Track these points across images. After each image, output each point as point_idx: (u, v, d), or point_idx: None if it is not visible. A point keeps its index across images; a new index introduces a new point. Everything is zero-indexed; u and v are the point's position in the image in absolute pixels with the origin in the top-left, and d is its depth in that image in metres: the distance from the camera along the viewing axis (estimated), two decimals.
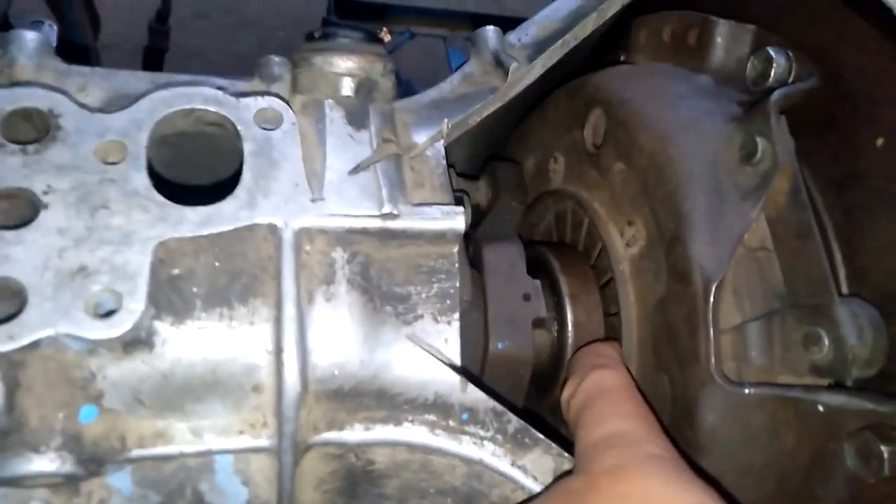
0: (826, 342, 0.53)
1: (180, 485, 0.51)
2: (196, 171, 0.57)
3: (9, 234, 0.43)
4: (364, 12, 2.50)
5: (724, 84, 0.68)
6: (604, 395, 0.55)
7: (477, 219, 0.83)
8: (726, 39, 0.68)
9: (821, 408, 0.55)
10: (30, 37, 0.56)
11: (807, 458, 0.56)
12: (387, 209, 0.52)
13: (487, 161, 0.90)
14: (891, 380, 0.54)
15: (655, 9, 0.79)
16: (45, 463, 0.43)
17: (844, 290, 0.58)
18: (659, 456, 0.49)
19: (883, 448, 0.51)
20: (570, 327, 0.71)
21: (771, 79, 0.62)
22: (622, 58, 0.83)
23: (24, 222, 0.44)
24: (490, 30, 0.73)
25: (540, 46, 0.72)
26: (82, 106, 0.50)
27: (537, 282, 0.74)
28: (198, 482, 0.51)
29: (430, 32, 2.56)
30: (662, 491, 0.48)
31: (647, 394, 0.62)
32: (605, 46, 0.86)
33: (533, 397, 0.78)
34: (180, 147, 0.56)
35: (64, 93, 0.50)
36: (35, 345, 0.42)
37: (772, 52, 0.62)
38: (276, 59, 0.61)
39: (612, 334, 0.70)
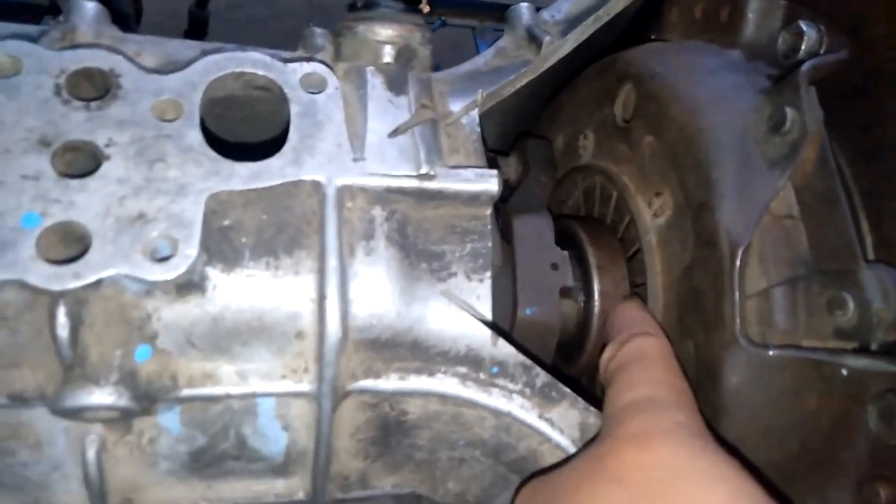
0: (851, 305, 0.54)
1: (225, 427, 0.54)
2: (240, 137, 0.60)
3: (74, 183, 0.47)
4: (407, 1, 2.52)
5: (755, 59, 0.69)
6: (642, 360, 0.56)
7: (507, 193, 0.85)
8: (758, 15, 0.69)
9: (844, 371, 0.56)
10: (89, 5, 0.59)
11: (830, 420, 0.58)
12: (424, 170, 0.54)
13: (518, 137, 0.92)
14: None
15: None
16: (104, 396, 0.46)
17: (871, 257, 0.59)
18: (684, 425, 0.49)
19: None
20: (596, 297, 0.73)
21: (802, 52, 0.63)
22: (654, 37, 0.84)
23: (87, 172, 0.47)
24: (524, 6, 0.75)
25: (573, 22, 0.74)
26: (140, 67, 0.53)
27: (565, 252, 0.76)
28: (241, 425, 0.54)
29: (459, 23, 2.58)
30: (689, 463, 0.47)
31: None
32: (638, 26, 0.87)
33: (559, 365, 0.80)
34: (224, 119, 0.59)
35: (123, 54, 0.53)
36: (97, 284, 0.45)
37: (803, 26, 0.63)
38: (319, 30, 0.63)
39: None
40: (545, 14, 0.77)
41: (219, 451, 0.55)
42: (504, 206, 0.80)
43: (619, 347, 0.58)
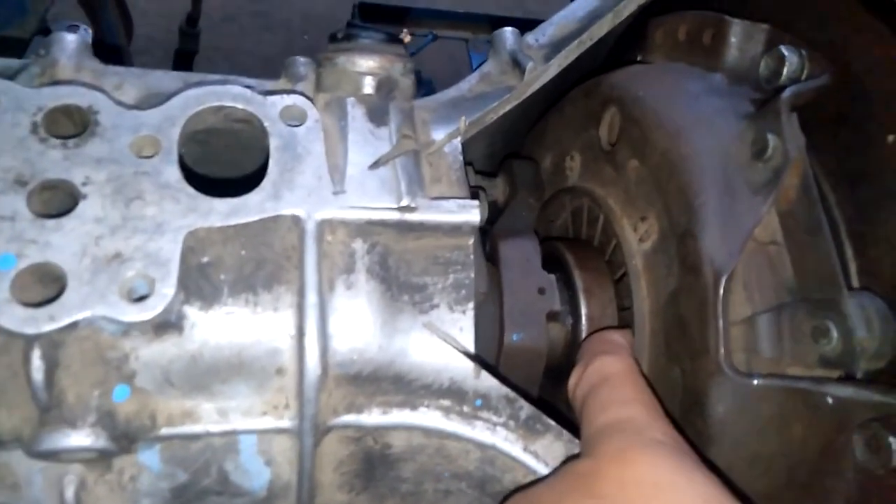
0: (835, 334, 0.54)
1: (206, 463, 0.53)
2: (223, 167, 0.60)
3: (50, 223, 0.46)
4: (387, 15, 2.53)
5: (737, 82, 0.69)
6: (607, 381, 0.56)
7: (494, 215, 0.85)
8: (740, 39, 0.69)
9: (830, 399, 0.55)
10: (70, 38, 0.59)
11: (816, 449, 0.57)
12: (405, 202, 0.54)
13: (505, 159, 0.92)
14: None
15: (671, 9, 0.80)
16: (81, 438, 0.46)
17: (856, 284, 0.59)
18: (661, 442, 0.50)
19: (891, 439, 0.52)
20: (584, 321, 0.73)
21: (783, 77, 0.63)
22: (639, 58, 0.84)
23: (64, 211, 0.47)
24: (508, 31, 0.75)
25: (557, 46, 0.74)
26: (119, 103, 0.52)
27: (552, 276, 0.75)
28: (223, 461, 0.53)
29: (452, 35, 2.59)
30: (671, 478, 0.48)
31: (659, 386, 0.63)
32: (623, 47, 0.88)
33: (548, 390, 0.80)
34: (209, 144, 0.59)
35: (102, 90, 0.52)
36: (73, 326, 0.44)
37: (784, 51, 0.63)
38: (302, 59, 0.63)
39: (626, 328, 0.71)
40: (529, 38, 0.77)
41: (201, 488, 0.54)
42: (491, 229, 0.80)
43: (582, 370, 0.59)
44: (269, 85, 0.61)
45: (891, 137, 0.56)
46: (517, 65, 0.71)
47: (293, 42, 3.85)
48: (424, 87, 1.93)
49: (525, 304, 0.72)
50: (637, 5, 0.75)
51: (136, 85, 0.58)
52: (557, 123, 0.87)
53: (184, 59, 1.56)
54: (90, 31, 1.58)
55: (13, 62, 0.58)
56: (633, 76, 0.74)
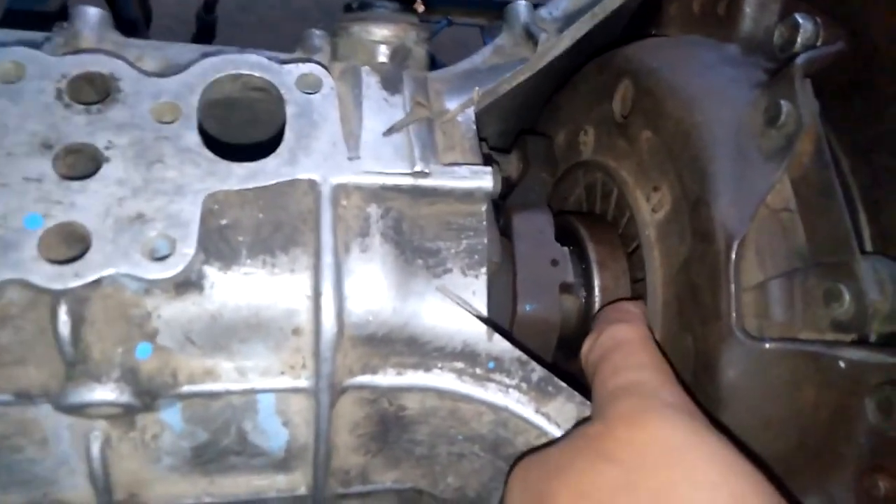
0: (847, 297, 0.54)
1: (226, 423, 0.55)
2: (238, 138, 0.61)
3: (75, 184, 0.48)
4: (403, 1, 2.53)
5: (752, 52, 0.69)
6: (620, 347, 0.56)
7: (508, 190, 0.85)
8: (754, 8, 0.69)
9: (842, 363, 0.56)
10: (92, 12, 0.60)
11: (828, 412, 0.57)
12: (418, 167, 0.55)
13: (519, 135, 0.92)
14: None
15: None
16: (106, 392, 0.47)
17: (869, 249, 0.59)
18: (672, 405, 0.50)
19: None
20: (597, 293, 0.73)
21: (798, 44, 0.63)
22: (654, 32, 0.84)
23: (88, 174, 0.48)
24: (521, 4, 0.76)
25: (570, 19, 0.74)
26: (140, 71, 0.54)
27: (566, 248, 0.76)
28: (242, 420, 0.55)
29: (467, 22, 2.58)
30: (682, 440, 0.48)
31: (672, 355, 0.64)
32: (639, 22, 0.87)
33: (562, 362, 0.80)
34: (227, 120, 0.60)
35: (123, 59, 0.54)
36: (97, 283, 0.46)
37: (798, 19, 0.63)
38: (317, 31, 0.64)
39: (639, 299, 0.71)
40: (543, 11, 0.77)
41: (221, 447, 0.56)
42: (504, 204, 0.81)
43: (595, 338, 0.59)
44: (286, 57, 0.62)
45: None
46: (531, 37, 0.71)
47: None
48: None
49: (538, 276, 0.72)
50: None
51: (156, 56, 0.60)
52: (571, 99, 0.87)
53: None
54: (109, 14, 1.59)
55: (38, 35, 0.60)
56: (647, 49, 0.74)
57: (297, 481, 0.60)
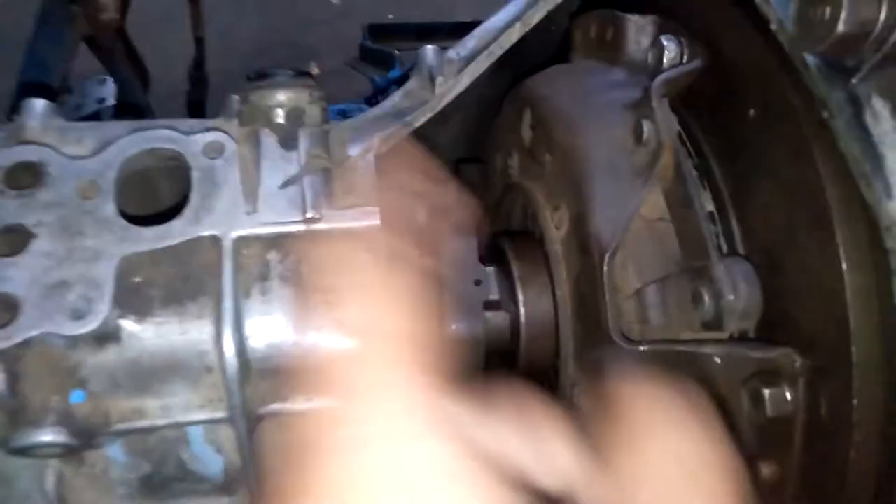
0: (706, 298, 0.58)
1: (163, 454, 0.62)
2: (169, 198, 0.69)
3: (8, 260, 0.57)
4: (395, 34, 2.63)
5: (635, 73, 0.74)
6: None
7: None
8: (634, 32, 0.74)
9: (717, 359, 0.60)
10: (38, 104, 0.70)
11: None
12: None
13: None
14: (776, 327, 0.58)
15: (592, 9, 0.85)
16: (46, 435, 0.55)
17: (741, 249, 0.63)
18: None
19: (765, 391, 0.56)
20: (521, 307, 0.79)
21: (665, 64, 0.68)
22: (566, 57, 0.90)
23: (19, 250, 0.57)
24: (429, 48, 0.82)
25: (470, 59, 0.80)
26: (66, 156, 0.62)
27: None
28: (178, 451, 0.62)
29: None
30: None
31: (581, 362, 0.69)
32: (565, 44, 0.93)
33: (502, 373, 0.86)
34: (151, 186, 0.69)
35: (53, 147, 0.63)
36: (27, 343, 0.54)
37: (663, 40, 0.68)
38: (235, 97, 0.72)
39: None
40: (451, 52, 0.83)
41: (164, 476, 0.64)
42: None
43: None
44: (208, 123, 0.70)
45: (751, 112, 0.60)
46: (432, 80, 0.78)
47: (324, 67, 4.02)
48: None
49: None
50: (545, 12, 0.81)
51: (93, 136, 0.68)
52: (499, 125, 0.93)
53: (196, 103, 1.70)
54: (112, 81, 1.73)
55: None
56: (545, 78, 0.80)
57: (243, 502, 0.67)
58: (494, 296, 0.80)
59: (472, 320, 0.77)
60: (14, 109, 0.73)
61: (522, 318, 0.79)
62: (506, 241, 0.84)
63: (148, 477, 0.63)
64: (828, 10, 0.48)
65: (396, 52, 2.04)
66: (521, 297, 0.79)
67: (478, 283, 0.79)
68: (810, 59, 0.52)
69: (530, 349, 0.80)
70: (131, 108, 1.66)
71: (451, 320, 0.77)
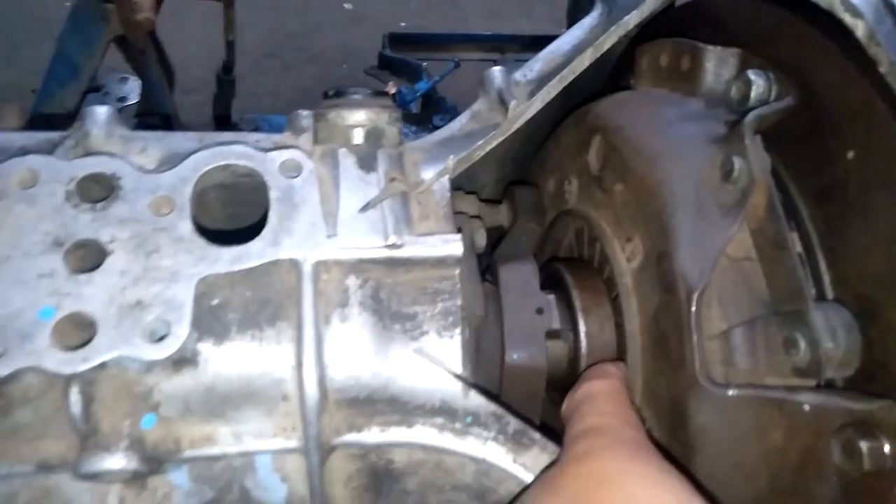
0: (802, 345, 0.57)
1: (228, 482, 0.60)
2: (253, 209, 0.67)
3: (83, 277, 0.54)
4: (416, 43, 2.62)
5: (714, 106, 0.72)
6: (589, 399, 0.60)
7: (500, 239, 0.90)
8: (714, 64, 0.73)
9: (806, 407, 0.58)
10: (100, 111, 0.67)
11: (797, 455, 0.60)
12: (392, 240, 0.60)
13: (509, 185, 0.97)
14: (872, 377, 0.57)
15: (657, 37, 0.84)
16: (116, 461, 0.53)
17: (830, 294, 0.61)
18: (624, 441, 0.54)
19: (863, 444, 0.55)
20: (582, 338, 0.77)
21: (752, 100, 0.67)
22: (628, 83, 0.88)
23: (94, 266, 0.55)
24: (497, 69, 0.81)
25: (542, 81, 0.79)
26: (139, 169, 0.60)
27: (551, 296, 0.80)
28: (243, 479, 0.60)
29: (481, 57, 2.65)
30: (618, 468, 0.53)
31: (651, 400, 0.67)
32: (622, 70, 0.92)
33: (558, 403, 0.84)
34: (237, 190, 0.66)
35: (124, 158, 0.60)
36: (103, 366, 0.52)
37: (751, 75, 0.67)
38: (304, 113, 0.70)
39: (623, 344, 0.75)
40: (518, 74, 0.82)
41: (226, 503, 0.61)
42: (493, 254, 0.85)
43: (571, 395, 0.63)
44: (276, 138, 0.68)
45: (850, 153, 0.59)
46: (503, 102, 0.76)
47: (332, 72, 4.01)
48: (450, 112, 1.98)
49: (524, 325, 0.76)
50: (617, 37, 0.80)
51: (159, 147, 0.66)
52: (555, 149, 0.91)
53: (223, 104, 1.68)
54: (139, 81, 1.71)
55: (54, 135, 0.67)
56: (616, 105, 0.78)
57: None
58: (556, 324, 0.78)
59: (533, 351, 0.76)
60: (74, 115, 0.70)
61: (583, 350, 0.77)
62: (564, 268, 0.82)
63: (209, 503, 0.61)
64: None
65: (424, 64, 2.03)
66: (582, 328, 0.78)
67: (539, 311, 0.78)
68: None
69: None
70: (152, 111, 1.64)
71: (511, 349, 0.75)
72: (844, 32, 0.60)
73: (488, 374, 0.75)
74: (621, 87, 0.87)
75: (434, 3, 4.59)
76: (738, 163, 0.62)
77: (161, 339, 0.53)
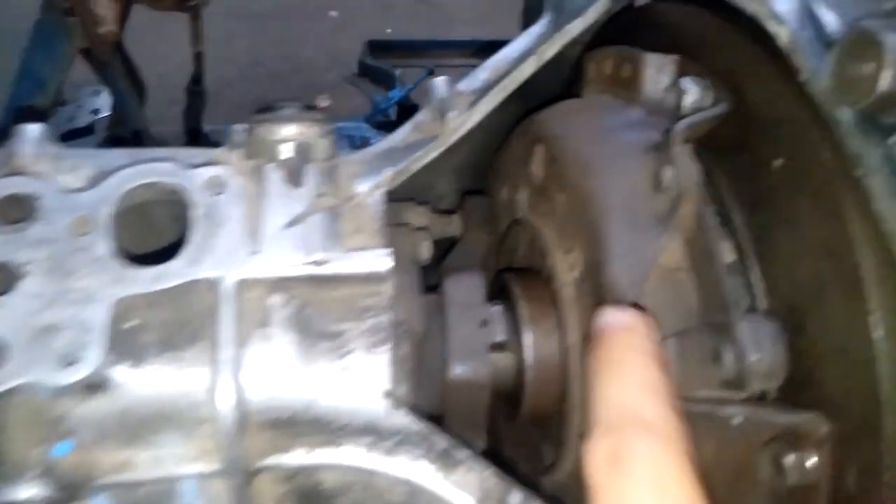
0: (728, 357, 0.56)
1: None
2: (166, 238, 0.66)
3: None
4: (396, 50, 2.62)
5: (654, 114, 0.71)
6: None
7: (448, 251, 0.89)
8: (653, 71, 0.72)
9: (735, 420, 0.57)
10: (31, 130, 0.66)
11: (731, 467, 0.59)
12: (316, 257, 0.59)
13: (462, 195, 0.96)
14: (801, 389, 0.56)
15: (612, 43, 0.83)
16: (27, 490, 0.52)
17: (763, 304, 0.60)
18: None
19: (788, 458, 0.54)
20: (526, 350, 0.76)
21: (687, 107, 0.66)
22: (578, 90, 0.88)
23: (6, 289, 0.54)
24: (440, 80, 0.80)
25: (485, 92, 0.78)
26: (62, 188, 0.59)
27: (496, 308, 0.79)
28: None
29: (463, 63, 2.65)
30: None
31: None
32: (577, 76, 0.91)
33: (507, 414, 0.83)
34: (151, 218, 0.65)
35: (47, 179, 0.60)
36: (11, 392, 0.51)
37: (685, 82, 0.66)
38: (240, 127, 0.69)
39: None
40: (462, 84, 0.81)
41: None
42: (441, 266, 0.85)
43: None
44: (211, 153, 0.68)
45: (778, 162, 0.58)
46: (443, 113, 0.75)
47: (320, 79, 4.01)
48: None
49: (467, 338, 0.75)
50: (560, 46, 0.79)
51: (90, 165, 0.65)
52: (506, 157, 0.91)
53: (193, 116, 1.68)
54: (107, 92, 1.70)
55: None
56: (558, 114, 0.78)
57: None
58: (501, 337, 0.77)
59: (476, 364, 0.75)
60: (3, 134, 0.69)
61: (528, 362, 0.76)
62: (512, 278, 0.82)
63: None
64: (869, 66, 0.46)
65: (397, 71, 2.03)
66: (527, 340, 0.77)
67: (484, 324, 0.77)
68: (844, 113, 0.50)
69: (535, 393, 0.77)
70: (125, 123, 1.63)
71: (453, 363, 0.74)
72: (772, 40, 0.59)
73: (432, 389, 0.75)
74: (574, 94, 0.87)
75: (420, 9, 4.60)
76: (668, 172, 0.61)
77: (73, 363, 0.52)
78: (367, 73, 2.34)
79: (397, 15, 4.51)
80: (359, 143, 1.82)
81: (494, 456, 0.71)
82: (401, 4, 4.60)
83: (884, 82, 0.44)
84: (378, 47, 2.64)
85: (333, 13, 4.52)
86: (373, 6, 4.53)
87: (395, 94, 1.93)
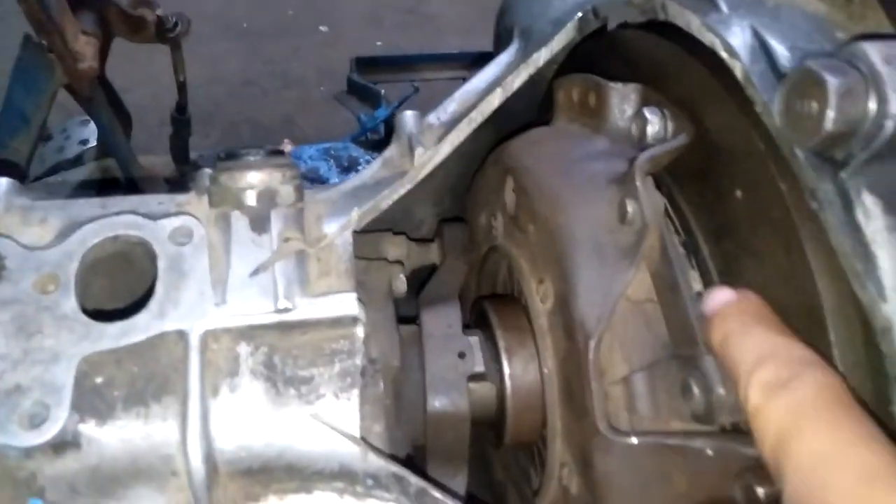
0: (696, 390, 0.56)
1: None
2: (137, 282, 0.66)
3: None
4: (383, 66, 2.63)
5: (619, 142, 0.72)
6: None
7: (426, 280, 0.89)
8: (617, 101, 0.72)
9: (708, 452, 0.57)
10: (0, 184, 0.67)
11: (703, 499, 0.59)
12: (282, 304, 0.59)
13: (440, 223, 0.96)
14: None
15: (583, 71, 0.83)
16: None
17: None
18: None
19: (759, 489, 0.54)
20: (506, 380, 0.76)
21: (648, 137, 0.66)
22: (548, 118, 0.88)
23: None
24: (409, 114, 0.80)
25: (453, 125, 0.78)
26: (27, 245, 0.60)
27: (474, 338, 0.79)
28: None
29: (452, 76, 2.66)
30: None
31: (568, 444, 0.66)
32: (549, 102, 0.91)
33: (491, 443, 0.83)
34: (129, 269, 0.66)
35: (11, 236, 0.60)
36: None
37: (646, 113, 0.66)
38: (207, 172, 0.70)
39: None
40: (431, 116, 0.81)
41: None
42: (419, 297, 0.85)
43: None
44: (179, 199, 0.68)
45: (738, 192, 0.58)
46: (412, 149, 0.75)
47: (311, 96, 4.02)
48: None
49: (445, 370, 0.76)
50: (527, 76, 0.79)
51: (60, 216, 0.66)
52: (482, 184, 0.91)
53: (180, 144, 1.68)
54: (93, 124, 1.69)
55: None
56: (527, 144, 0.78)
57: None
58: (480, 367, 0.77)
59: (455, 396, 0.75)
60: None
61: (508, 391, 0.76)
62: (490, 306, 0.82)
63: None
64: (814, 106, 0.46)
65: (383, 90, 2.03)
66: (506, 370, 0.77)
67: (461, 355, 0.77)
68: (798, 147, 0.51)
69: (517, 422, 0.77)
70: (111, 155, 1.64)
71: (433, 396, 0.74)
72: (730, 71, 0.59)
73: (414, 421, 0.75)
74: (547, 119, 0.87)
75: (409, 21, 4.61)
76: (631, 205, 0.61)
77: (39, 424, 0.52)
78: (355, 90, 2.34)
79: (387, 28, 4.51)
80: (346, 164, 1.82)
81: (486, 477, 0.71)
82: (390, 17, 4.61)
83: (828, 123, 0.44)
84: (365, 63, 2.64)
85: (323, 28, 4.53)
86: (362, 20, 4.54)
87: (381, 113, 1.93)
